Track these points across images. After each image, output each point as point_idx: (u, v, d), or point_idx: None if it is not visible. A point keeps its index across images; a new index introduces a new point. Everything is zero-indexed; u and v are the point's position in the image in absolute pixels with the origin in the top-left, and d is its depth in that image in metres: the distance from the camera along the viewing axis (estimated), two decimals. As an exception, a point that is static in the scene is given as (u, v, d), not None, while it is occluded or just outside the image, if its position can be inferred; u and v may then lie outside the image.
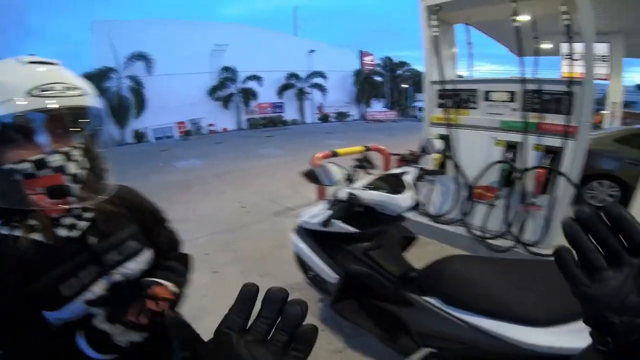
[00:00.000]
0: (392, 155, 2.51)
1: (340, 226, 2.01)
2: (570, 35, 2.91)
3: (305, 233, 2.27)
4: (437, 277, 1.76)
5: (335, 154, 2.37)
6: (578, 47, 2.89)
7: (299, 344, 0.36)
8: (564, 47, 2.99)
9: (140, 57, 18.41)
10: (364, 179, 2.13)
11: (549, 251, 3.19)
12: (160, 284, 1.04)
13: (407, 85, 29.89)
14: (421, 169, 2.39)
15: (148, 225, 1.17)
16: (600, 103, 8.88)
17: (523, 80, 3.06)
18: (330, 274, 2.15)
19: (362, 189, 1.98)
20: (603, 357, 0.39)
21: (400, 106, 29.45)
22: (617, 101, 8.29)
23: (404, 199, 1.99)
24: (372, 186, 2.04)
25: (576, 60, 2.94)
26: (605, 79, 8.27)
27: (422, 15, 3.67)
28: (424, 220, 4.11)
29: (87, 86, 0.88)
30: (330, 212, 1.90)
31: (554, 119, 3.09)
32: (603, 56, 8.08)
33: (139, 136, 18.58)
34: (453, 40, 4.14)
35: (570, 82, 2.91)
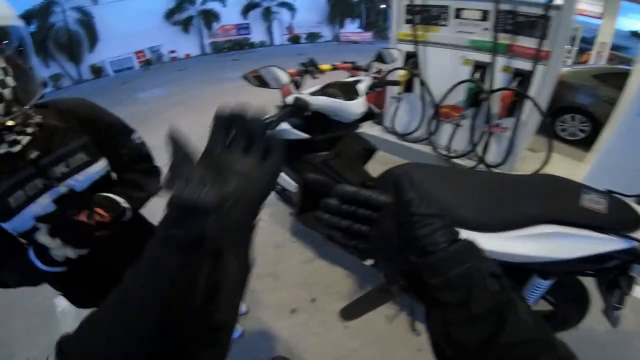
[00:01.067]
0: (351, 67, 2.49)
1: (291, 132, 2.00)
2: None
3: None
4: (390, 185, 1.87)
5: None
6: None
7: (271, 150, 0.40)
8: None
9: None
10: (316, 85, 2.11)
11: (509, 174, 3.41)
12: (111, 199, 1.08)
13: (384, 5, 27.93)
14: (375, 77, 2.37)
15: (105, 137, 1.17)
16: (589, 42, 8.81)
17: (497, -1, 3.03)
18: (291, 184, 2.18)
19: (311, 94, 1.96)
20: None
21: (376, 27, 27.57)
22: (605, 41, 8.21)
23: (356, 105, 1.99)
24: (324, 93, 2.01)
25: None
26: (598, 17, 8.12)
27: None
28: (391, 138, 4.24)
29: (3, 7, 0.87)
30: (279, 115, 1.87)
31: (526, 42, 3.09)
32: (599, -7, 7.87)
33: (97, 71, 17.52)
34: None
35: (548, 5, 2.88)
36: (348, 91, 2.07)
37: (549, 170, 3.24)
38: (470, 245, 0.45)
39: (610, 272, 1.28)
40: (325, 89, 2.08)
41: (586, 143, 4.85)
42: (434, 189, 1.59)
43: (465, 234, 1.29)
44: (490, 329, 0.38)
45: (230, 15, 21.31)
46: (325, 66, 2.29)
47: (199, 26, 20.69)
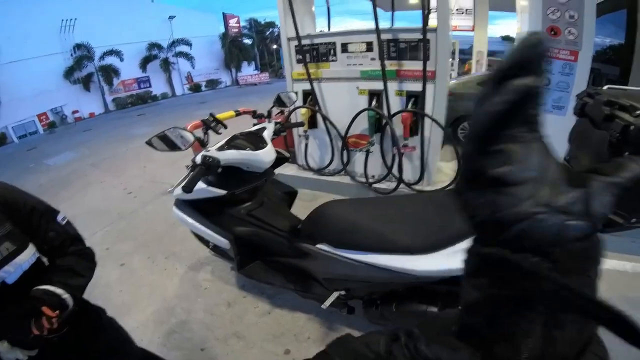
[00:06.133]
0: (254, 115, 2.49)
1: (208, 190, 1.97)
2: None
3: (184, 204, 2.19)
4: (319, 224, 1.81)
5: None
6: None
7: None
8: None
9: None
10: (224, 140, 2.08)
11: (430, 188, 3.51)
12: (50, 292, 1.04)
13: (276, 46, 29.46)
14: (278, 123, 2.40)
15: (29, 222, 1.12)
16: (468, 53, 9.83)
17: (377, 30, 3.17)
18: (222, 241, 2.13)
19: (219, 150, 1.94)
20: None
21: (272, 67, 29.26)
22: (482, 50, 9.19)
23: (265, 154, 2.01)
24: (232, 146, 2.01)
25: (434, 11, 3.08)
26: (470, 30, 9.09)
27: (275, -29, 3.59)
28: (309, 174, 4.23)
29: None
30: (189, 177, 1.84)
31: (412, 65, 3.28)
32: (467, 9, 8.84)
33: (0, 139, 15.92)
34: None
35: (425, 30, 3.06)
36: (255, 140, 2.09)
37: None
38: None
39: None
40: (232, 141, 2.07)
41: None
42: (363, 221, 1.61)
43: (403, 259, 1.28)
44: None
45: (129, 70, 20.67)
46: (227, 114, 2.30)
47: (99, 83, 19.77)
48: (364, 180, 3.81)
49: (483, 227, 0.34)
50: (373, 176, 3.86)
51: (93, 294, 1.31)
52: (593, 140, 1.21)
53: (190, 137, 1.87)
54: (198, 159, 1.86)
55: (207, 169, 1.83)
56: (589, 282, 0.32)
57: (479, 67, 9.15)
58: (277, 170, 2.33)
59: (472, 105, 0.37)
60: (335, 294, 1.81)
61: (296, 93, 3.00)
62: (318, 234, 1.82)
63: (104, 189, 5.51)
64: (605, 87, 1.64)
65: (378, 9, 3.17)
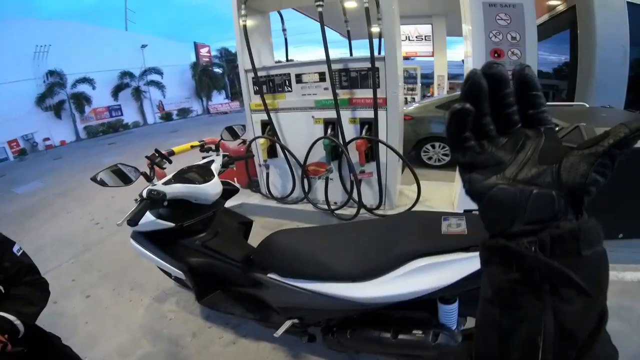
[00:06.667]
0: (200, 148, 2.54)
1: (156, 222, 1.99)
2: (369, 16, 3.14)
3: (141, 236, 2.19)
4: (268, 254, 1.84)
5: (172, 153, 2.31)
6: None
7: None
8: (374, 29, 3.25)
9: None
10: (173, 173, 2.12)
11: (392, 212, 3.55)
12: (3, 319, 1.11)
13: None
14: (225, 155, 2.45)
15: None
16: (430, 77, 10.24)
17: (328, 61, 3.27)
18: (178, 272, 2.14)
19: (165, 184, 1.97)
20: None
21: (242, 96, 29.56)
22: (442, 74, 9.61)
23: (211, 187, 2.05)
24: (178, 179, 2.04)
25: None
26: (430, 56, 9.51)
27: (233, 5, 3.68)
28: (272, 203, 4.24)
29: None
30: (136, 211, 1.86)
31: (363, 94, 3.38)
32: (426, 36, 9.25)
33: None
34: (268, 28, 4.27)
35: (373, 59, 3.17)
36: (203, 173, 2.13)
37: (429, 197, 3.46)
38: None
39: None
40: (181, 174, 2.10)
41: (452, 164, 5.42)
42: (309, 250, 1.64)
43: (344, 287, 1.32)
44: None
45: (101, 98, 20.56)
46: (191, 144, 2.43)
47: (70, 110, 19.56)
48: (326, 207, 3.83)
49: (472, 199, 0.40)
50: (335, 202, 3.89)
51: (59, 324, 1.39)
52: None
53: (135, 173, 1.95)
54: (144, 193, 1.88)
55: (153, 203, 1.87)
56: (585, 261, 0.35)
57: (440, 90, 9.52)
58: (241, 200, 2.36)
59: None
60: (288, 322, 1.81)
61: (243, 125, 3.03)
62: (268, 263, 1.85)
63: (71, 219, 5.41)
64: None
65: (341, 37, 3.28)
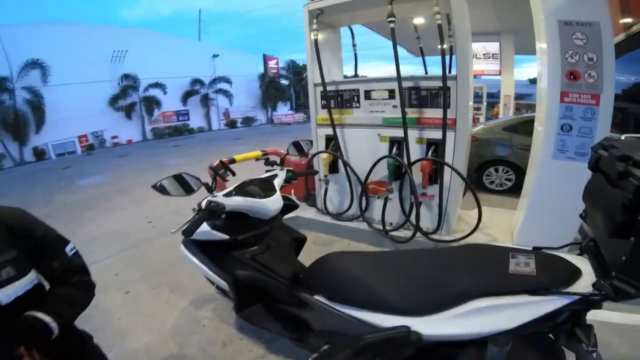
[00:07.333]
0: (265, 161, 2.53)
1: (211, 233, 1.98)
2: (442, 33, 3.05)
3: (191, 243, 2.18)
4: (318, 275, 1.77)
5: (233, 161, 2.37)
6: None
7: None
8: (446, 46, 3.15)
9: (35, 65, 16.17)
10: (235, 185, 2.12)
11: (449, 237, 3.39)
12: (39, 320, 1.09)
13: None
14: (290, 170, 2.42)
15: (36, 250, 1.19)
16: (496, 97, 9.81)
17: (399, 78, 3.20)
18: (222, 283, 2.11)
19: (225, 196, 1.97)
20: None
21: (306, 108, 29.98)
22: (509, 94, 9.18)
23: (272, 202, 2.02)
24: (239, 192, 2.03)
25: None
26: (497, 74, 9.12)
27: (305, 20, 3.72)
28: (326, 219, 4.19)
29: None
30: (192, 220, 1.85)
31: (433, 113, 3.28)
32: (494, 54, 8.89)
33: (39, 154, 16.70)
34: (338, 42, 4.27)
35: (445, 78, 3.07)
36: (265, 188, 2.12)
37: (488, 224, 3.27)
38: None
39: (564, 325, 1.25)
40: (242, 187, 2.09)
41: (515, 190, 5.14)
42: (361, 277, 1.55)
43: (395, 320, 1.21)
44: None
45: (170, 102, 21.68)
46: (253, 153, 2.48)
47: (140, 112, 20.77)
48: (380, 227, 3.73)
49: None
50: (391, 223, 3.78)
51: (93, 315, 1.40)
52: (607, 199, 1.10)
53: (197, 183, 1.95)
54: (203, 204, 1.89)
55: (211, 214, 1.85)
56: None
57: (506, 111, 9.10)
58: (295, 213, 2.33)
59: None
60: (326, 347, 1.73)
61: (310, 141, 3.01)
62: (317, 285, 1.78)
63: (126, 215, 5.65)
64: (623, 137, 1.53)
65: (410, 55, 3.21)
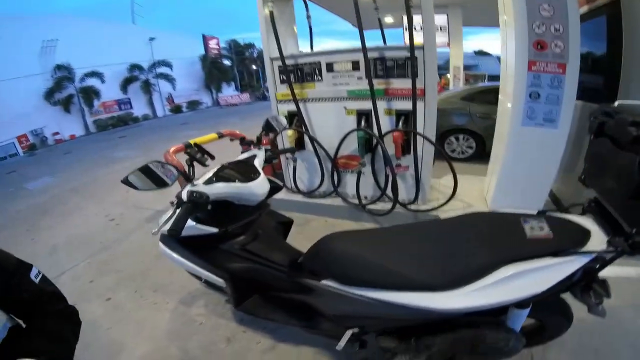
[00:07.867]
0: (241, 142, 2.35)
1: (197, 228, 1.79)
2: (409, 6, 2.98)
3: (171, 240, 1.98)
4: (323, 260, 1.65)
5: (189, 145, 2.16)
6: (417, 18, 3.01)
7: None
8: (405, 19, 3.08)
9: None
10: (209, 172, 1.88)
11: (426, 207, 3.41)
12: None
13: (256, 67, 30.09)
14: (268, 149, 2.25)
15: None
16: (444, 68, 10.07)
17: (364, 49, 3.10)
18: (216, 279, 1.94)
19: (206, 184, 1.74)
20: None
21: (252, 88, 29.82)
22: (458, 65, 9.43)
23: (259, 185, 1.83)
24: (220, 178, 1.81)
25: (417, 30, 3.08)
26: (446, 47, 9.33)
27: (257, -8, 3.50)
28: (298, 197, 4.11)
29: None
30: (175, 216, 1.60)
31: (400, 84, 3.22)
32: (441, 26, 9.07)
33: None
34: (292, 16, 4.09)
35: (413, 48, 3.01)
36: (246, 170, 1.91)
37: (459, 191, 3.32)
38: None
39: (580, 283, 1.30)
40: (220, 172, 1.86)
41: (476, 157, 5.25)
42: (372, 256, 1.46)
43: (424, 296, 1.16)
44: None
45: (110, 91, 20.53)
46: (209, 137, 2.21)
47: (79, 104, 19.49)
48: (356, 202, 3.68)
49: None
50: (366, 197, 3.75)
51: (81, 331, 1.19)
52: (618, 162, 1.19)
53: (174, 171, 1.64)
54: (184, 195, 1.64)
55: (195, 207, 1.62)
56: None
57: (456, 82, 9.35)
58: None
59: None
60: (349, 332, 1.62)
61: (283, 116, 2.87)
62: (322, 270, 1.66)
63: (86, 216, 5.26)
64: (616, 103, 1.59)
65: (354, 28, 3.12)
